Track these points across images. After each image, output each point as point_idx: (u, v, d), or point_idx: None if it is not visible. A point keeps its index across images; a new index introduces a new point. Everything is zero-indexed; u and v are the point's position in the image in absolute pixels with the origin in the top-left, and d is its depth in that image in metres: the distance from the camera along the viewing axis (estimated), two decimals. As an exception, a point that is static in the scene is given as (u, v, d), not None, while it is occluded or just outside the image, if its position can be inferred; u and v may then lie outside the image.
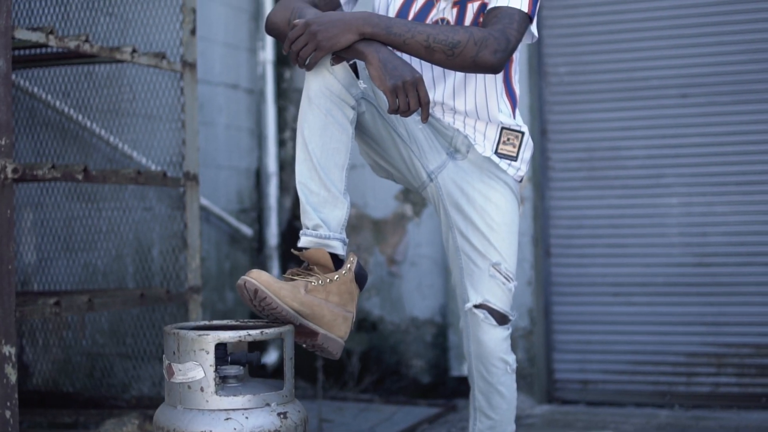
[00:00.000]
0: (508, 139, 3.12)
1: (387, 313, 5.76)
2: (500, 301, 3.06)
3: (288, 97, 6.01)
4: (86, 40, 3.64)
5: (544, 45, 5.62)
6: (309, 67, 2.79)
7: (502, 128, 3.11)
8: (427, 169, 3.09)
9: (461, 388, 5.48)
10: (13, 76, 4.34)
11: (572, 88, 5.64)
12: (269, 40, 5.91)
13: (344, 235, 2.86)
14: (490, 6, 2.93)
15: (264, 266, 5.89)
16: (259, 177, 5.96)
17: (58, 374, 4.58)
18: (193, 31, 4.11)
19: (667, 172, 5.47)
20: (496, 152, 3.11)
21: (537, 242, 5.50)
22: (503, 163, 3.11)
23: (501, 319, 3.07)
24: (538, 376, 5.46)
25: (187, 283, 4.12)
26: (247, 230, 5.73)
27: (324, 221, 2.82)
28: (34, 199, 4.56)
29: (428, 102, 2.75)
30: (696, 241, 5.42)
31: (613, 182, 5.56)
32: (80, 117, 4.60)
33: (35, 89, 4.47)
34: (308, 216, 2.83)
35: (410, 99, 2.72)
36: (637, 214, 5.52)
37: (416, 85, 2.72)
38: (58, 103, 4.51)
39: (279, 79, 6.01)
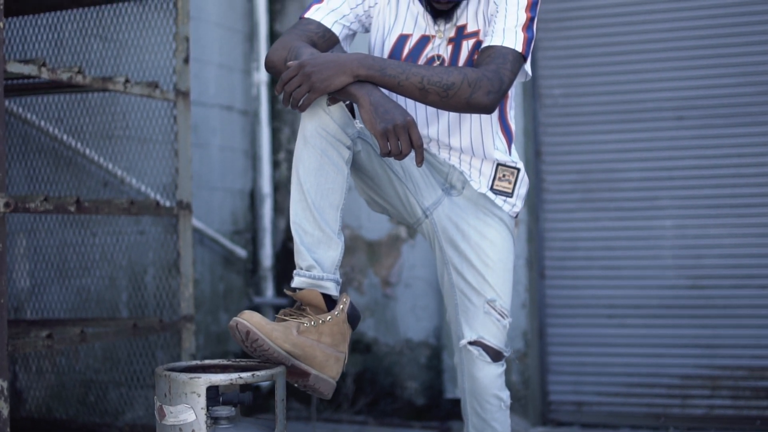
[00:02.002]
0: (504, 176, 3.13)
1: (381, 334, 5.75)
2: (495, 338, 3.07)
3: (282, 119, 6.00)
4: (79, 71, 3.63)
5: (538, 66, 5.62)
6: (302, 109, 2.79)
7: (498, 164, 3.12)
8: (422, 205, 3.10)
9: (455, 410, 5.46)
10: (6, 102, 4.34)
11: (567, 110, 5.64)
12: (263, 61, 5.89)
13: (338, 275, 2.86)
14: (484, 45, 2.93)
15: (258, 287, 5.88)
16: (253, 198, 5.95)
17: (51, 400, 4.57)
18: (186, 60, 4.11)
19: (661, 195, 5.47)
20: (491, 188, 3.11)
21: (531, 264, 5.50)
22: (499, 200, 3.12)
23: (495, 355, 3.07)
24: (532, 398, 5.45)
25: (181, 311, 4.10)
26: (242, 252, 5.72)
27: (318, 262, 2.82)
28: (28, 225, 4.55)
29: (421, 145, 2.74)
30: (690, 264, 5.42)
31: (608, 204, 5.56)
32: (74, 142, 4.59)
33: (28, 115, 4.46)
34: (302, 256, 2.83)
35: (402, 142, 2.72)
36: (631, 236, 5.51)
37: (407, 128, 2.72)
38: (51, 129, 4.50)
39: (273, 100, 6.00)
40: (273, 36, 6.01)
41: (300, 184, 2.84)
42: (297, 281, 2.84)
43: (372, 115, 2.72)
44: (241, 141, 5.86)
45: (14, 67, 3.41)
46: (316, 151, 2.82)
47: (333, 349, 2.82)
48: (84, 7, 4.41)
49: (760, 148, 5.33)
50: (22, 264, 4.46)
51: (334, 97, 2.80)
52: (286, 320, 2.81)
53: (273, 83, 6.00)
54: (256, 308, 5.90)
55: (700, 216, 5.41)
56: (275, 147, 6.01)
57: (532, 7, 2.96)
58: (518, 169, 3.14)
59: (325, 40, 3.02)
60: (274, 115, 6.00)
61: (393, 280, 5.72)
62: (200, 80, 5.44)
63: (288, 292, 2.87)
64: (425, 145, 3.13)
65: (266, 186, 5.91)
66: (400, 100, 3.04)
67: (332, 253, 2.85)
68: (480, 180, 3.11)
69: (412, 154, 3.01)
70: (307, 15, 3.04)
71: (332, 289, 2.84)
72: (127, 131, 4.81)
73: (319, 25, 3.01)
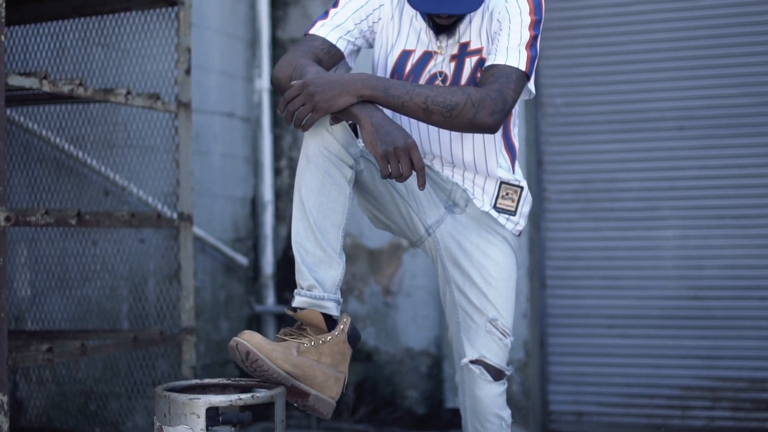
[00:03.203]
0: (507, 194, 3.12)
1: (382, 343, 5.75)
2: (496, 357, 3.07)
3: (284, 126, 5.99)
4: (80, 84, 3.63)
5: (541, 76, 5.61)
6: (305, 128, 2.78)
7: (501, 183, 3.11)
8: (425, 223, 3.10)
9: (456, 419, 5.46)
10: (8, 112, 4.33)
11: (569, 119, 5.64)
12: (265, 68, 5.90)
13: (339, 295, 2.86)
14: (487, 63, 2.92)
15: (259, 295, 5.88)
16: (254, 205, 5.94)
17: (51, 410, 4.57)
18: (187, 71, 4.10)
19: (663, 205, 5.47)
20: (494, 207, 3.11)
21: (532, 274, 5.49)
22: (502, 218, 3.11)
23: (497, 374, 3.07)
24: (532, 408, 5.45)
25: (181, 323, 4.10)
26: (243, 259, 5.72)
27: (319, 281, 2.82)
28: (29, 234, 4.54)
29: (423, 168, 2.73)
30: (691, 274, 5.42)
31: (609, 214, 5.56)
32: (75, 151, 4.58)
33: (30, 124, 4.45)
34: (303, 276, 2.83)
35: (402, 165, 2.71)
36: (632, 247, 5.51)
37: (408, 151, 2.71)
38: (52, 137, 4.50)
39: (275, 107, 5.99)
40: (275, 43, 6.01)
41: (302, 204, 2.83)
42: (298, 301, 2.83)
43: (373, 137, 2.71)
44: (243, 148, 5.85)
45: (15, 81, 3.40)
46: (319, 171, 2.81)
47: (333, 369, 2.82)
48: (85, 17, 4.40)
49: (761, 159, 5.33)
50: (23, 274, 4.46)
51: (336, 117, 2.79)
52: (286, 340, 2.81)
53: (275, 91, 5.98)
54: (257, 316, 5.90)
55: (702, 226, 5.41)
56: (277, 154, 6.01)
57: (535, 26, 2.94)
58: (521, 188, 3.13)
59: (331, 56, 3.01)
60: (276, 122, 6.00)
61: (394, 288, 5.71)
62: (202, 87, 5.43)
63: (288, 312, 2.87)
64: (428, 162, 3.12)
65: (267, 193, 5.91)
66: (404, 119, 3.03)
67: (333, 272, 2.84)
68: (483, 198, 3.11)
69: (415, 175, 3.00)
70: (311, 31, 3.03)
71: (333, 309, 2.83)
72: (128, 140, 4.81)
73: (324, 41, 3.00)
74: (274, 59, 6.00)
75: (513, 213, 3.13)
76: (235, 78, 5.79)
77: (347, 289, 5.71)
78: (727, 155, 5.37)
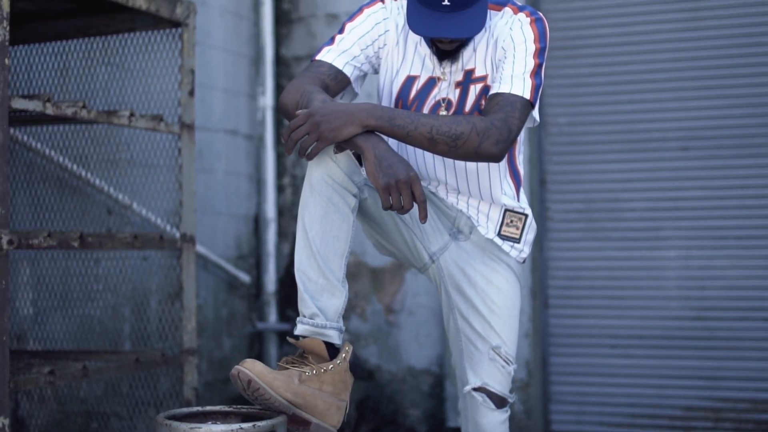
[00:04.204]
0: (512, 221, 3.12)
1: (384, 361, 5.74)
2: (499, 384, 3.07)
3: (287, 143, 5.98)
4: (83, 106, 3.63)
5: (544, 95, 5.61)
6: (309, 158, 2.78)
7: (506, 210, 3.12)
8: (429, 250, 3.10)
9: (457, 438, 5.47)
10: (12, 131, 4.34)
11: (572, 138, 5.64)
12: (269, 86, 5.91)
13: (341, 323, 2.86)
14: (492, 91, 2.92)
15: (262, 312, 5.88)
16: (257, 223, 5.94)
17: (53, 429, 4.57)
18: (191, 92, 4.10)
19: (666, 225, 5.46)
20: (499, 234, 3.12)
21: (535, 294, 5.49)
22: (506, 245, 3.12)
23: (499, 402, 3.07)
24: (534, 428, 5.44)
25: (183, 344, 4.10)
26: (245, 277, 5.71)
27: (321, 310, 2.82)
28: (31, 253, 4.54)
29: (424, 201, 2.74)
30: (694, 295, 5.41)
31: (612, 234, 5.55)
32: (78, 169, 4.59)
33: (33, 143, 4.46)
34: (305, 304, 2.83)
35: (404, 198, 2.71)
36: (635, 267, 5.50)
37: (410, 184, 2.71)
38: (55, 156, 4.50)
39: (278, 124, 6.00)
40: (279, 61, 6.01)
41: (305, 232, 2.83)
42: (300, 329, 2.83)
43: (375, 169, 2.71)
44: (246, 166, 5.85)
45: (19, 104, 3.40)
46: (322, 199, 2.81)
47: (334, 397, 2.82)
48: (89, 37, 4.40)
49: (765, 180, 5.33)
50: (25, 293, 4.46)
51: (340, 146, 2.80)
52: (287, 368, 2.81)
53: (278, 109, 5.99)
54: (259, 333, 5.90)
55: (705, 247, 5.40)
56: (280, 172, 6.01)
57: (540, 54, 2.95)
58: (526, 215, 3.13)
59: (337, 81, 3.01)
60: (279, 140, 6.00)
61: (396, 307, 5.71)
62: (205, 105, 5.44)
63: (291, 340, 2.87)
64: (433, 189, 3.13)
65: (270, 211, 5.90)
66: (409, 146, 3.04)
67: (336, 301, 2.84)
68: (487, 225, 3.11)
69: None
70: (318, 57, 3.03)
71: (335, 338, 2.83)
72: (131, 157, 4.81)
73: (331, 66, 3.01)
74: (278, 77, 6.00)
75: (517, 240, 3.13)
76: (239, 95, 5.79)
77: (349, 306, 5.71)
78: (730, 176, 5.37)
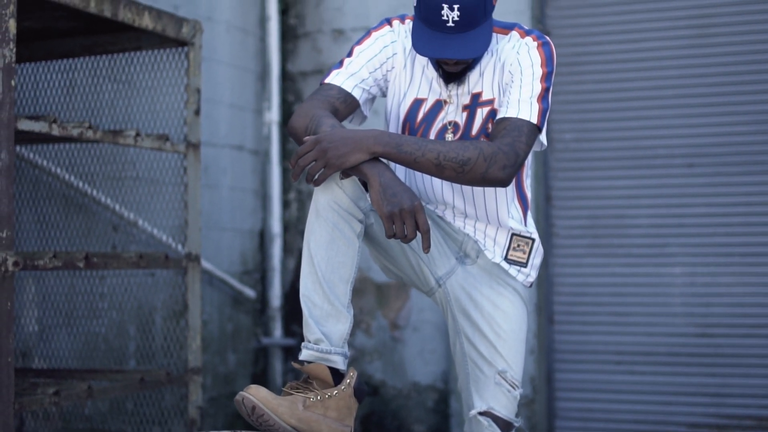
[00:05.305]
0: (519, 246, 3.12)
1: (389, 377, 5.74)
2: (505, 409, 3.07)
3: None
4: (89, 127, 3.63)
5: (550, 111, 5.57)
6: (316, 184, 2.78)
7: (513, 234, 3.12)
8: (435, 275, 3.10)
9: (462, 455, 5.46)
10: (17, 148, 4.35)
11: (578, 155, 5.64)
12: (275, 101, 5.91)
13: (346, 349, 2.86)
14: (499, 116, 2.92)
15: (267, 327, 5.88)
16: (263, 238, 5.95)
17: (57, 446, 4.57)
18: (197, 111, 4.11)
19: (671, 242, 5.46)
20: (505, 258, 3.12)
21: (540, 309, 5.49)
22: (513, 270, 3.12)
23: (505, 426, 3.07)
24: (539, 445, 5.44)
25: (188, 363, 4.10)
26: (250, 292, 5.72)
27: (326, 335, 2.82)
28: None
29: (427, 231, 2.74)
30: (699, 312, 5.41)
31: (618, 250, 5.55)
32: (84, 186, 4.59)
33: (39, 160, 4.46)
34: (310, 329, 2.83)
35: (407, 227, 2.71)
36: (640, 283, 5.50)
37: (414, 213, 2.71)
38: (61, 173, 4.51)
39: (284, 140, 6.00)
40: (285, 76, 6.02)
41: (311, 257, 2.83)
42: (305, 354, 2.83)
43: (380, 197, 2.72)
44: (252, 181, 5.86)
45: (25, 125, 3.41)
46: (328, 225, 2.82)
47: (339, 423, 2.82)
48: (96, 56, 4.41)
49: (770, 197, 5.33)
50: (30, 310, 4.46)
51: (347, 172, 2.80)
52: (292, 394, 2.81)
53: (284, 123, 6.00)
54: (264, 349, 5.90)
55: (710, 264, 5.40)
56: (285, 187, 6.01)
57: (547, 78, 2.95)
58: (533, 240, 3.13)
59: (347, 105, 3.02)
60: (285, 155, 6.00)
61: (401, 323, 5.71)
62: (212, 120, 5.44)
63: (295, 365, 2.87)
64: (440, 213, 3.13)
65: (276, 226, 5.91)
66: (418, 176, 3.05)
67: (341, 326, 2.84)
68: (494, 249, 3.12)
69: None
70: (327, 80, 3.04)
71: (339, 363, 2.83)
72: (137, 174, 4.82)
73: (340, 90, 3.01)
74: (284, 92, 6.01)
75: (524, 265, 3.13)
76: (245, 111, 5.80)
77: (355, 322, 5.70)
78: (736, 193, 5.37)
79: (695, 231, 5.43)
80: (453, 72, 2.99)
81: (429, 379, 5.68)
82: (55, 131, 3.52)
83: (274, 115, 5.91)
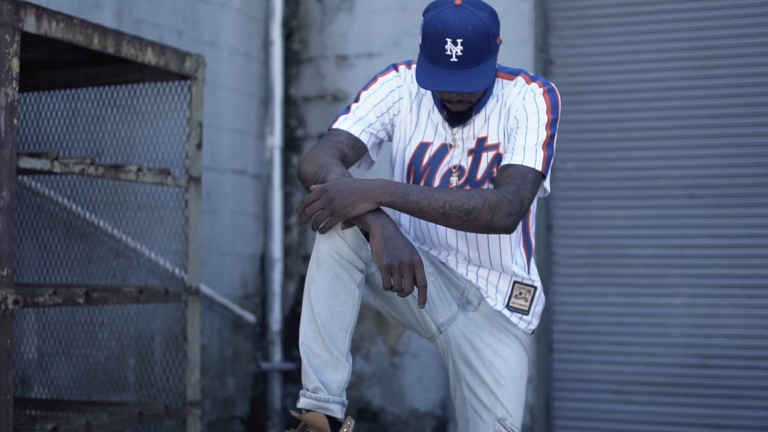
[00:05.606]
0: (521, 293, 3.14)
1: (387, 403, 5.74)
2: (504, 455, 3.08)
3: (295, 183, 6.01)
4: (91, 163, 3.64)
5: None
6: (322, 232, 2.80)
7: (515, 282, 3.13)
8: (437, 321, 3.12)
9: (460, 483, 5.46)
10: (19, 177, 4.35)
11: (579, 184, 5.64)
12: (277, 125, 5.92)
13: (344, 397, 2.86)
14: (504, 162, 2.94)
15: (266, 351, 5.89)
16: (263, 262, 5.95)
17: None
18: (199, 145, 4.12)
19: (672, 272, 5.46)
20: (507, 306, 3.14)
21: (539, 338, 5.49)
22: (514, 317, 3.13)
23: (504, 471, 3.08)
24: (537, 473, 5.44)
25: (186, 396, 4.11)
26: (250, 317, 5.73)
27: (324, 384, 2.82)
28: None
29: (425, 286, 2.75)
30: (699, 343, 5.41)
31: (618, 280, 5.55)
32: (84, 212, 4.60)
33: (40, 187, 4.47)
34: (309, 378, 2.84)
35: (405, 280, 2.73)
36: (640, 313, 5.50)
37: (413, 267, 2.73)
38: (62, 200, 4.51)
39: (286, 164, 6.01)
40: (288, 100, 6.03)
41: (311, 306, 2.84)
42: (303, 402, 2.84)
43: (380, 248, 2.73)
44: (253, 205, 5.86)
45: (27, 163, 3.42)
46: (329, 274, 2.83)
47: (336, 471, 2.82)
48: (99, 86, 4.42)
49: (771, 229, 5.33)
50: (30, 338, 4.47)
51: (349, 221, 2.81)
52: (289, 443, 2.81)
53: (286, 147, 6.01)
54: (264, 373, 5.91)
55: (710, 295, 5.40)
56: (287, 211, 6.02)
57: (552, 125, 2.97)
58: (535, 288, 3.15)
59: (355, 150, 3.04)
60: (287, 179, 6.01)
61: (401, 349, 5.72)
62: (214, 146, 5.45)
63: (293, 414, 2.87)
64: (443, 259, 3.15)
65: (277, 250, 5.92)
66: (424, 225, 3.08)
67: (339, 375, 2.85)
68: (496, 297, 3.13)
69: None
70: (335, 126, 3.06)
71: (338, 412, 2.84)
72: (138, 200, 4.82)
73: (349, 135, 3.03)
74: (286, 116, 6.02)
75: (526, 312, 3.15)
76: (247, 135, 5.81)
77: (354, 348, 5.71)
78: (737, 224, 5.37)
79: (696, 262, 5.43)
80: (457, 111, 3.01)
81: (427, 406, 5.68)
82: (57, 168, 3.52)
83: (276, 139, 5.92)
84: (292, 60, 6.04)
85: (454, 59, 2.86)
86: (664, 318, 5.47)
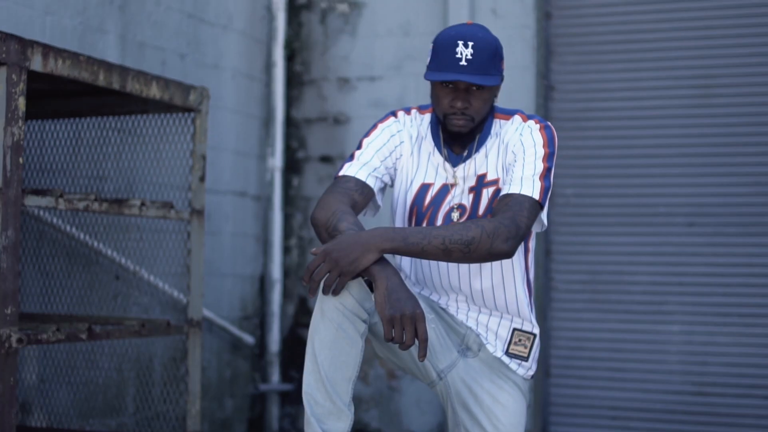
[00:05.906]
0: (520, 340, 3.19)
1: (385, 425, 5.77)
2: (502, 500, 3.11)
3: (295, 204, 6.02)
4: (95, 199, 3.66)
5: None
6: (335, 293, 2.81)
7: (514, 329, 3.17)
8: (437, 368, 3.15)
9: (456, 507, 5.48)
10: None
11: (579, 210, 5.66)
12: (279, 147, 5.94)
13: (345, 447, 2.89)
14: (502, 192, 3.00)
15: (265, 372, 5.91)
16: (263, 283, 5.97)
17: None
18: (202, 178, 4.13)
19: (670, 300, 5.49)
20: (506, 353, 3.17)
21: (537, 363, 5.50)
22: (513, 364, 3.17)
23: None
24: (533, 498, 5.47)
25: (186, 428, 4.13)
26: (249, 338, 5.74)
27: (327, 434, 2.85)
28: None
29: (426, 339, 2.78)
30: (696, 370, 5.43)
31: (616, 306, 5.58)
32: (85, 236, 4.61)
33: (42, 213, 4.48)
34: (311, 427, 2.86)
35: (406, 333, 2.76)
36: (638, 340, 5.53)
37: (414, 320, 2.76)
38: (63, 225, 4.53)
39: (287, 185, 6.02)
40: (289, 122, 6.04)
41: (314, 356, 2.87)
42: (305, 452, 2.86)
43: (384, 300, 2.76)
44: (253, 226, 5.88)
45: (31, 201, 3.43)
46: (333, 325, 2.85)
47: None
48: (103, 116, 4.44)
49: (769, 258, 5.35)
50: (30, 365, 4.48)
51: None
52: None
53: (287, 169, 6.03)
54: (262, 394, 5.92)
55: (708, 323, 5.43)
56: (287, 233, 6.04)
57: (548, 158, 3.03)
58: (534, 335, 3.19)
59: (364, 195, 3.09)
60: (287, 201, 6.03)
61: (398, 372, 5.73)
62: (216, 168, 5.46)
63: (295, 463, 2.90)
64: (444, 305, 3.18)
65: (276, 271, 5.93)
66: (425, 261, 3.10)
67: (341, 425, 2.87)
68: (496, 343, 3.17)
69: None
70: (342, 173, 3.11)
71: (340, 460, 2.86)
72: (139, 221, 4.83)
73: (357, 181, 3.08)
74: (288, 138, 6.03)
75: (525, 359, 3.19)
76: (249, 157, 5.82)
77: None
78: (735, 253, 5.39)
79: (694, 290, 5.45)
80: (458, 131, 3.04)
81: (425, 429, 5.70)
82: (62, 206, 3.54)
83: (277, 161, 5.93)
84: (294, 82, 6.06)
85: (463, 62, 2.95)
86: (662, 345, 5.49)
